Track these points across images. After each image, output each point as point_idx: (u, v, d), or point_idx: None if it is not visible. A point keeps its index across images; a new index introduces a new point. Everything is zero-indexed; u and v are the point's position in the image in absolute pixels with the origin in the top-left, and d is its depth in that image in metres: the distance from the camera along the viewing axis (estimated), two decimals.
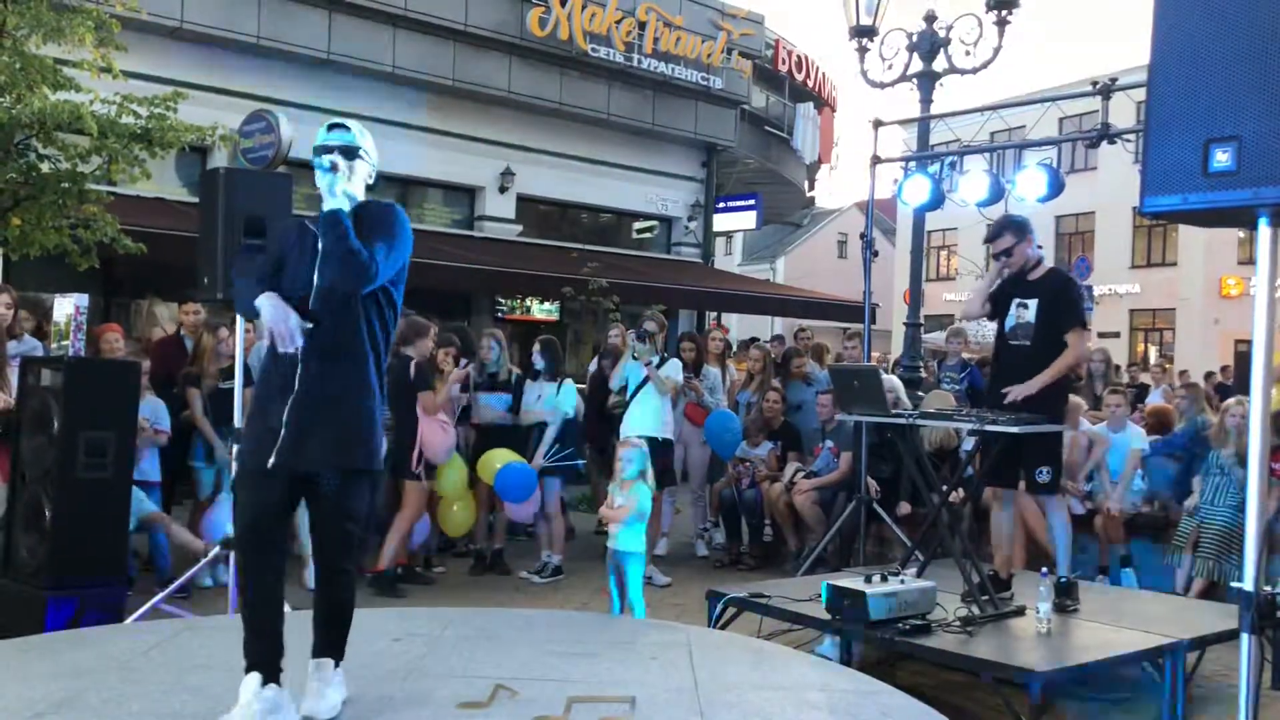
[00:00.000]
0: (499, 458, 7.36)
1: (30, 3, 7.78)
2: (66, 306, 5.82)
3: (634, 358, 7.52)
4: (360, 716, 3.45)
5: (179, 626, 4.81)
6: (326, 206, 3.45)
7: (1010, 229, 5.65)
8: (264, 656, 3.37)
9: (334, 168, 3.49)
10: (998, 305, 5.74)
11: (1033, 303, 5.57)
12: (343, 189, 3.50)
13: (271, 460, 3.38)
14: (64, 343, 5.77)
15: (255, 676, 3.33)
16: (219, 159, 11.62)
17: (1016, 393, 5.33)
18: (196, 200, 8.29)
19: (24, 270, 9.59)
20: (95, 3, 8.40)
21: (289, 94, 13.49)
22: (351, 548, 3.61)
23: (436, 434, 7.08)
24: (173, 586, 5.87)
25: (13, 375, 5.74)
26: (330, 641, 3.58)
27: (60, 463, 5.28)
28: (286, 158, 11.99)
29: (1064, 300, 5.59)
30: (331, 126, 3.63)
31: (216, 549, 6.01)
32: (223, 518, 6.54)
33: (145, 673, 3.90)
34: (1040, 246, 5.87)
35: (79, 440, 5.29)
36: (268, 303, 3.43)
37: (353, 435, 3.49)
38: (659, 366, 7.55)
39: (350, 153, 3.56)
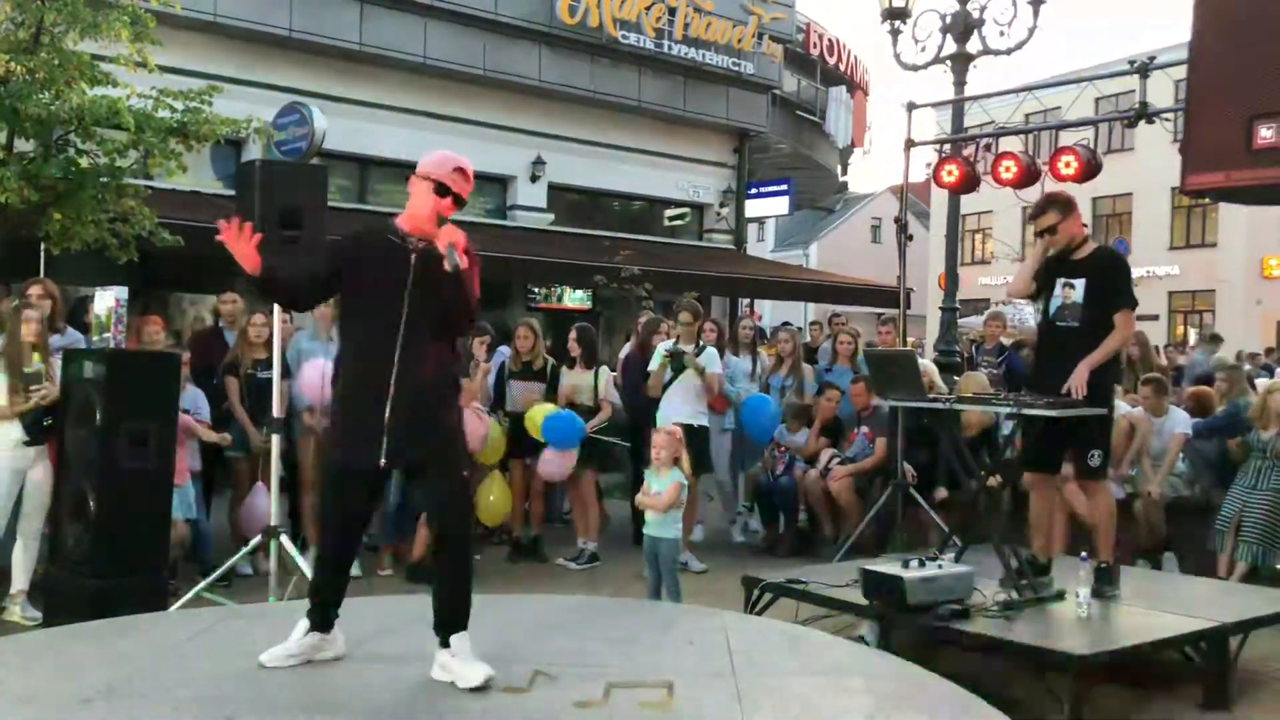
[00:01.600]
0: (546, 409, 7.44)
1: (68, 0, 7.87)
2: (107, 299, 5.89)
3: (677, 366, 7.52)
4: (402, 701, 3.49)
5: (222, 614, 4.88)
6: (452, 266, 3.66)
7: (1054, 206, 5.50)
8: (317, 616, 3.85)
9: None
10: (1041, 286, 5.63)
11: (1080, 283, 5.42)
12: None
13: (382, 460, 3.69)
14: (105, 335, 5.85)
15: (304, 623, 3.84)
16: (253, 152, 11.70)
17: (1071, 386, 5.16)
18: (232, 193, 8.37)
19: (64, 264, 9.72)
20: None
21: (322, 86, 13.57)
22: (467, 515, 3.93)
23: (472, 422, 7.11)
24: (214, 575, 5.95)
25: (56, 368, 5.82)
26: (462, 615, 3.76)
27: (103, 453, 5.36)
28: (320, 149, 12.09)
29: (1113, 279, 5.44)
30: (462, 171, 3.95)
31: (257, 539, 6.07)
32: (262, 507, 6.60)
33: (190, 659, 3.96)
34: (1086, 225, 5.76)
35: (121, 431, 5.37)
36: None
37: (448, 429, 3.81)
38: (697, 355, 7.56)
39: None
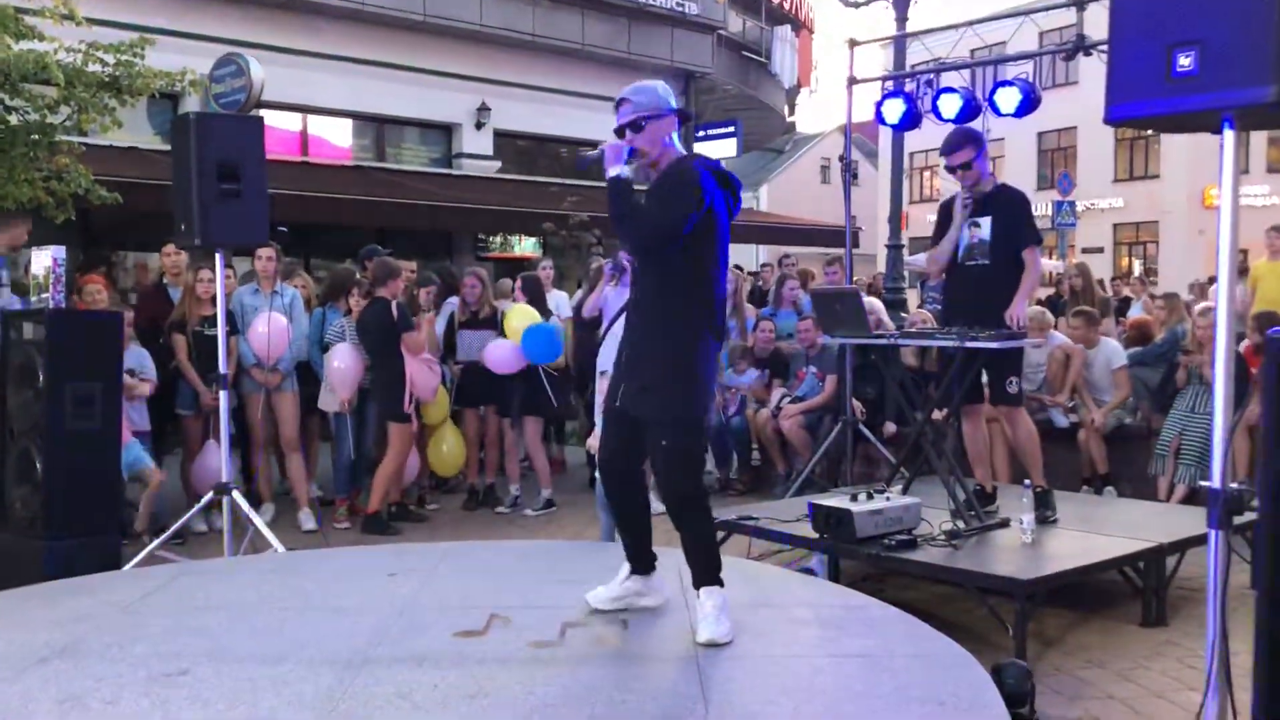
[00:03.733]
0: (523, 315, 7.51)
1: None
2: (44, 259, 5.77)
3: (619, 284, 7.49)
4: (358, 649, 3.52)
5: (176, 571, 4.88)
6: (610, 173, 3.71)
7: (970, 141, 5.58)
8: (630, 553, 3.99)
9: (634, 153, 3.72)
10: (944, 228, 5.70)
11: (986, 221, 5.52)
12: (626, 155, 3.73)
13: (617, 401, 3.80)
14: (44, 295, 5.74)
15: (626, 567, 3.99)
16: (191, 105, 11.48)
17: (1012, 317, 5.31)
18: (168, 148, 8.20)
19: None
20: None
21: (258, 36, 13.29)
22: (675, 481, 3.73)
23: (423, 373, 7.11)
24: (168, 533, 5.92)
25: None
26: (697, 571, 3.73)
27: (48, 415, 5.29)
28: (259, 101, 11.87)
29: (1021, 216, 5.55)
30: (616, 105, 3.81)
31: (210, 495, 6.05)
32: (213, 464, 6.57)
33: (145, 616, 3.97)
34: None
35: (65, 392, 5.30)
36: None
37: (652, 386, 3.67)
38: None
39: (628, 129, 3.74)
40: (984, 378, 5.60)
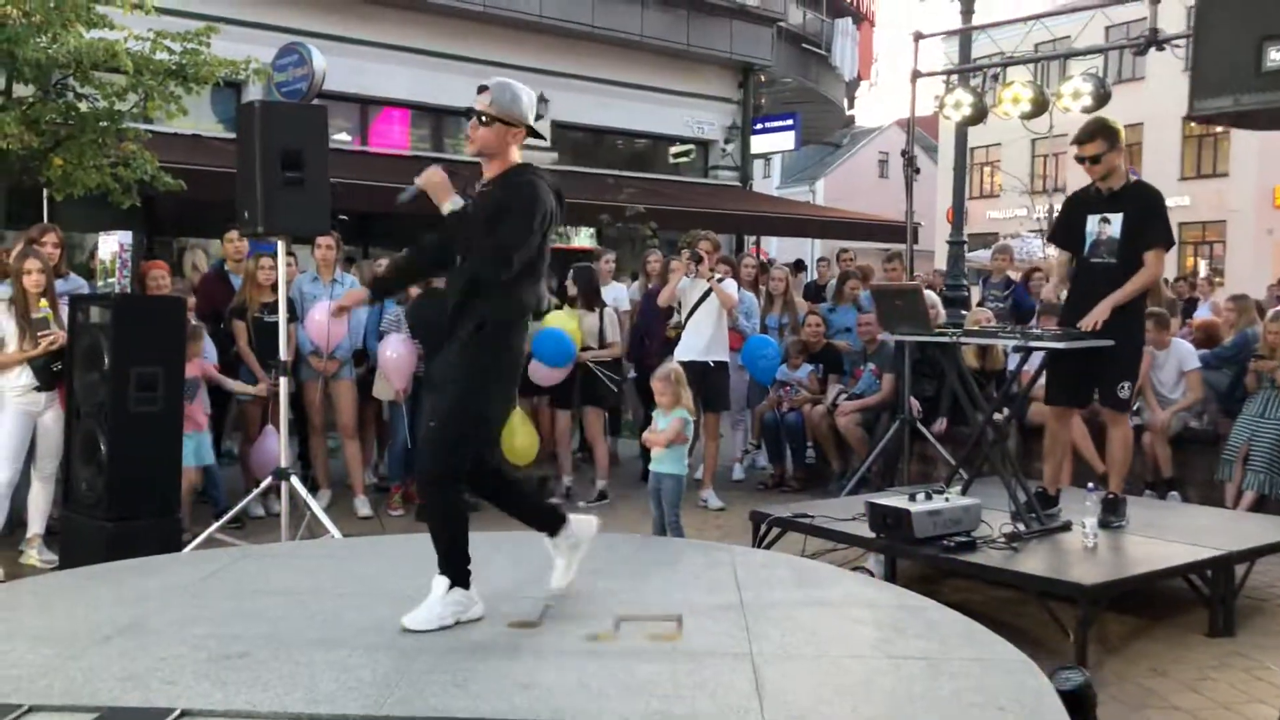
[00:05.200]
0: (555, 321, 7.51)
1: None
2: (111, 244, 5.90)
3: (696, 274, 7.48)
4: (414, 637, 3.53)
5: (236, 554, 4.93)
6: (444, 209, 3.70)
7: (1103, 134, 5.32)
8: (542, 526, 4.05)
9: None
10: (1071, 225, 5.51)
11: (1117, 218, 5.29)
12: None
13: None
14: (110, 280, 5.86)
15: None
16: (253, 93, 11.60)
17: (1090, 322, 5.13)
18: (233, 136, 8.30)
19: (67, 210, 9.69)
20: None
21: (321, 26, 13.40)
22: (435, 457, 3.69)
23: None
24: (227, 516, 6.01)
25: (63, 313, 5.83)
26: (441, 562, 3.73)
27: (112, 398, 5.39)
28: (320, 90, 11.98)
29: (1155, 214, 5.32)
30: (479, 89, 3.83)
31: (268, 480, 6.12)
32: (272, 449, 6.65)
33: (206, 598, 4.01)
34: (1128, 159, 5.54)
35: (130, 375, 5.39)
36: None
37: (457, 376, 3.70)
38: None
39: (476, 117, 3.75)
40: (1088, 379, 5.41)
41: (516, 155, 3.82)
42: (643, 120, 17.93)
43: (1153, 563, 4.75)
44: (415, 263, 4.20)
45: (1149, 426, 7.22)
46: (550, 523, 4.03)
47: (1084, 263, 5.44)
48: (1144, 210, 5.31)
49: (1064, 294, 5.56)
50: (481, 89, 3.77)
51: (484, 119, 3.72)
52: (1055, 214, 5.65)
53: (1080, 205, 5.53)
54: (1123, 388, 5.31)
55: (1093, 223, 5.39)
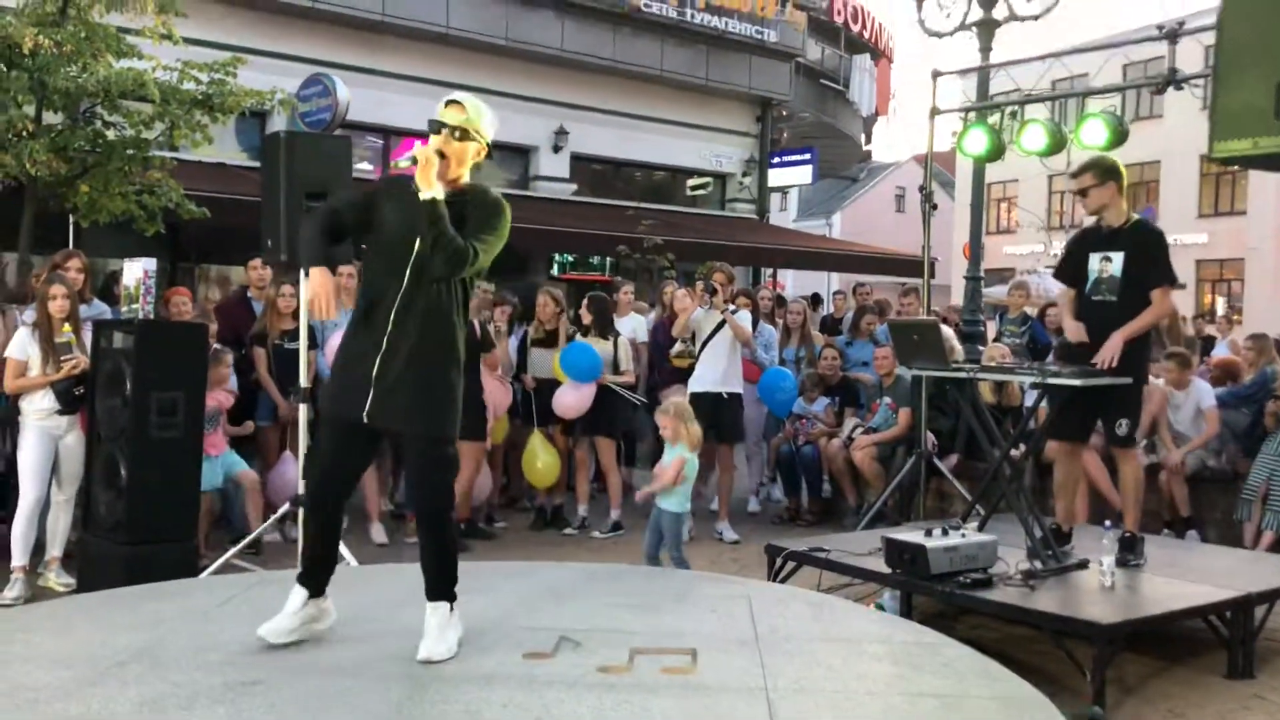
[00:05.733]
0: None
1: None
2: (136, 270, 5.95)
3: (710, 306, 7.50)
4: (428, 667, 3.54)
5: (252, 580, 4.95)
6: (427, 195, 3.50)
7: (1094, 169, 5.41)
8: (316, 574, 3.81)
9: (441, 156, 3.59)
10: (1076, 263, 5.55)
11: (1118, 256, 5.35)
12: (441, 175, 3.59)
13: (365, 414, 3.58)
14: (134, 306, 5.91)
15: (300, 594, 3.75)
16: (278, 123, 11.74)
17: (1104, 357, 5.15)
18: (256, 164, 8.38)
19: (92, 236, 9.80)
20: None
21: (345, 57, 13.58)
22: (441, 492, 3.73)
23: (498, 390, 7.23)
24: (244, 542, 6.03)
25: (86, 338, 5.89)
26: (437, 585, 3.73)
27: (134, 422, 5.43)
28: (344, 120, 12.11)
29: (1154, 254, 5.36)
30: (449, 103, 3.73)
31: (285, 507, 6.14)
32: (290, 475, 6.68)
33: (222, 624, 4.03)
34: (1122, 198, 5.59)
35: (151, 400, 5.44)
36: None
37: (435, 399, 3.62)
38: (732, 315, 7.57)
39: (449, 131, 3.66)
40: (1091, 416, 5.42)
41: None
42: (661, 153, 18.04)
43: (1171, 603, 4.71)
44: (321, 230, 3.76)
45: (1166, 465, 7.19)
46: (324, 582, 3.84)
47: (1086, 300, 5.51)
48: (1144, 250, 5.37)
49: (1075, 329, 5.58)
50: (451, 103, 3.73)
51: (459, 133, 3.69)
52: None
53: (1085, 242, 5.61)
54: (1121, 425, 5.33)
55: (1095, 260, 5.46)
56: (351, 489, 3.93)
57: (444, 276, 3.58)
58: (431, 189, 3.51)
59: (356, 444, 3.75)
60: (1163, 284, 5.31)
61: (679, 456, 5.55)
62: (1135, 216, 5.54)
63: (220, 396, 6.61)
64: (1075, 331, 5.45)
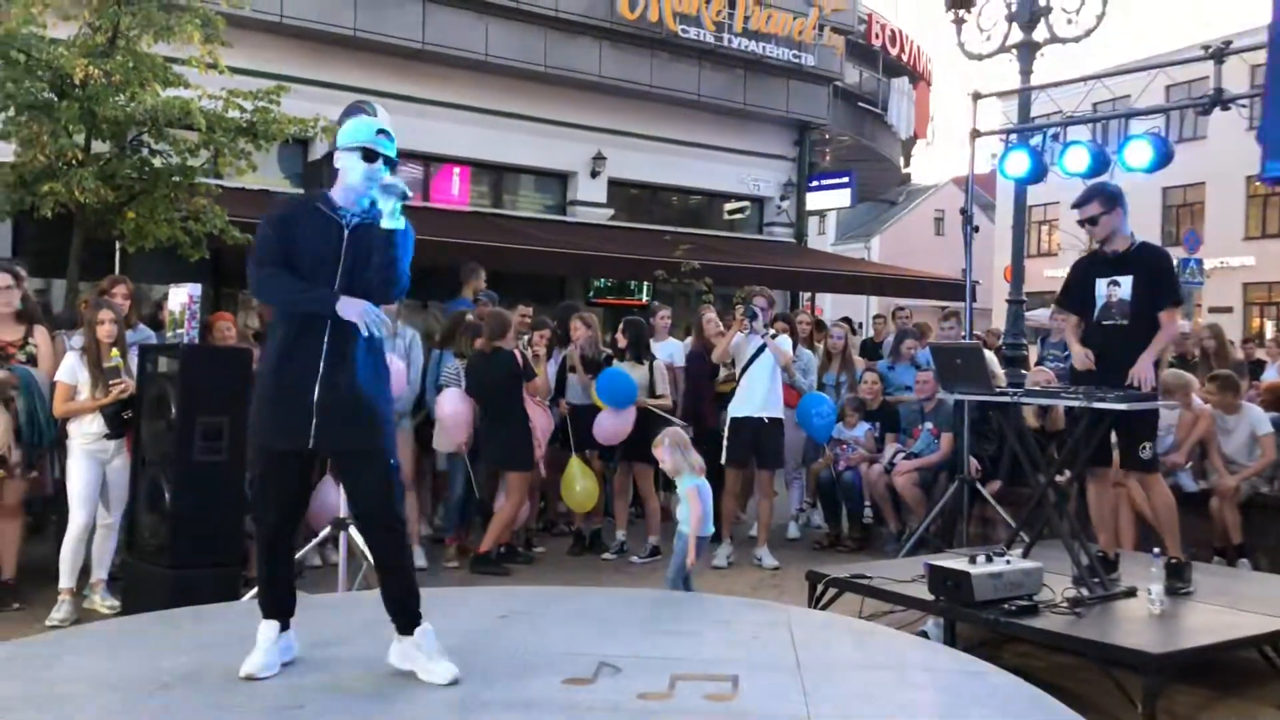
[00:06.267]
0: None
1: (142, 4, 8.07)
2: (181, 296, 6.01)
3: (751, 331, 7.47)
4: (469, 693, 3.53)
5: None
6: (393, 226, 3.63)
7: (1099, 197, 5.48)
8: (286, 606, 3.80)
9: (403, 195, 3.67)
10: (1082, 289, 5.57)
11: (1126, 280, 5.39)
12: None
13: (311, 442, 3.60)
14: (179, 331, 5.97)
15: (275, 624, 3.73)
16: (320, 150, 11.88)
17: (1137, 379, 5.17)
18: (298, 191, 8.50)
19: (138, 262, 9.96)
20: (202, 1, 8.64)
21: (385, 85, 13.72)
22: (400, 506, 3.82)
23: (541, 417, 7.25)
24: None
25: (133, 363, 5.97)
26: (415, 608, 3.72)
27: (178, 447, 5.48)
28: None
29: (1163, 275, 5.43)
30: (385, 132, 3.78)
31: (326, 530, 6.17)
32: (331, 499, 6.71)
33: None
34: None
35: (195, 425, 5.49)
36: (348, 303, 3.59)
37: (380, 414, 3.73)
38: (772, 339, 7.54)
39: (389, 163, 3.76)
40: (1113, 440, 5.40)
41: None
42: (699, 177, 18.09)
43: (1223, 632, 4.62)
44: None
45: (1217, 491, 7.05)
46: (290, 610, 3.82)
47: (1095, 325, 5.51)
48: (1154, 272, 5.40)
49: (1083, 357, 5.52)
50: (387, 132, 3.80)
51: (392, 165, 3.77)
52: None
53: (1088, 269, 5.62)
54: (1144, 448, 5.33)
55: (1101, 286, 5.48)
56: (302, 517, 4.01)
57: (388, 299, 3.74)
58: (398, 222, 3.63)
59: (302, 472, 3.79)
60: (1171, 304, 5.37)
61: (693, 487, 5.36)
62: (1139, 239, 5.56)
63: None
64: (1083, 359, 5.44)
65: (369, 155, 3.69)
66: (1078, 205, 5.56)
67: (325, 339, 3.61)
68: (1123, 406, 5.01)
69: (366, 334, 3.63)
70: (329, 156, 3.90)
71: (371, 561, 5.68)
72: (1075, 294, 5.66)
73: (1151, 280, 5.36)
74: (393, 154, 3.76)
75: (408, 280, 3.74)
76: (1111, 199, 5.48)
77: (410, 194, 3.74)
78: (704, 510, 5.27)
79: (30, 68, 7.75)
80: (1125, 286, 5.39)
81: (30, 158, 7.92)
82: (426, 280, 13.85)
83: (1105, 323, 5.45)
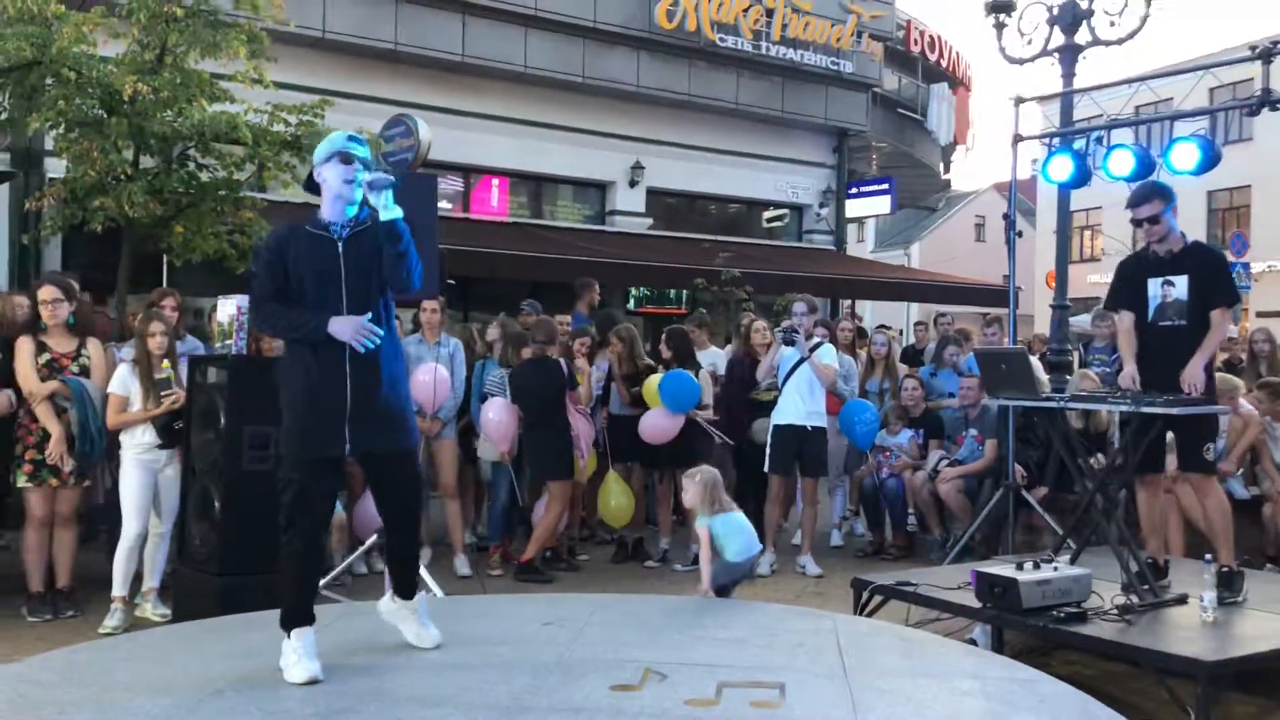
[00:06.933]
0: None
1: (190, 21, 8.21)
2: (229, 307, 6.10)
3: (789, 346, 7.44)
4: (516, 697, 3.55)
5: (341, 610, 5.02)
6: (390, 216, 3.80)
7: (1158, 195, 5.36)
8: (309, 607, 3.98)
9: (391, 184, 3.83)
10: (1134, 289, 5.46)
11: (1181, 280, 5.28)
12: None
13: (347, 448, 3.83)
14: (227, 342, 6.06)
15: (309, 629, 3.87)
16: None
17: (1188, 383, 5.08)
18: None
19: (185, 275, 10.11)
20: (247, 18, 8.78)
21: (426, 98, 13.89)
22: (420, 494, 4.24)
23: (584, 425, 7.28)
24: (332, 574, 6.12)
25: (183, 374, 6.06)
26: (414, 581, 4.23)
27: (226, 456, 5.56)
28: (426, 159, 12.34)
29: (1219, 274, 5.34)
30: (354, 138, 3.94)
31: (374, 538, 6.23)
32: (375, 508, 6.76)
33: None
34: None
35: (243, 434, 5.56)
36: (338, 323, 3.76)
37: (407, 413, 4.01)
38: (812, 352, 7.50)
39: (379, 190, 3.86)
40: (1165, 444, 5.32)
41: None
42: (738, 185, 18.10)
43: (1278, 640, 4.54)
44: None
45: (1270, 498, 6.94)
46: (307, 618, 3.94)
47: (1151, 328, 5.39)
48: (1210, 270, 5.30)
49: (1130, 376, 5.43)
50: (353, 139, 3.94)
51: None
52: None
53: (1139, 269, 5.50)
54: (1209, 449, 5.24)
55: (1155, 286, 5.36)
56: (327, 526, 4.41)
57: (411, 288, 3.93)
58: (396, 211, 3.79)
59: (335, 477, 4.02)
60: (1224, 303, 5.26)
61: (704, 527, 5.30)
62: (1190, 238, 5.46)
63: None
64: (1130, 379, 5.33)
65: (345, 159, 3.85)
66: (1134, 205, 5.42)
67: (346, 349, 3.79)
68: (1173, 411, 4.94)
69: (362, 349, 3.78)
70: (309, 180, 4.02)
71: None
72: (1126, 295, 5.54)
73: (1207, 279, 5.26)
74: (367, 155, 3.91)
75: (420, 264, 3.93)
76: (1169, 196, 5.36)
77: (398, 180, 3.87)
78: (717, 547, 5.28)
79: (81, 85, 7.91)
80: (1180, 286, 5.28)
81: (81, 173, 8.09)
82: (467, 293, 14.05)
83: (1162, 324, 5.35)
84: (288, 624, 3.84)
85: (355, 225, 3.87)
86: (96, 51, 8.13)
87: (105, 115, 8.08)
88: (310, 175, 4.01)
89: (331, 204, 3.88)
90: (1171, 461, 5.57)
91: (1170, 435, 5.34)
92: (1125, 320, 5.56)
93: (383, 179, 3.79)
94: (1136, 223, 5.43)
